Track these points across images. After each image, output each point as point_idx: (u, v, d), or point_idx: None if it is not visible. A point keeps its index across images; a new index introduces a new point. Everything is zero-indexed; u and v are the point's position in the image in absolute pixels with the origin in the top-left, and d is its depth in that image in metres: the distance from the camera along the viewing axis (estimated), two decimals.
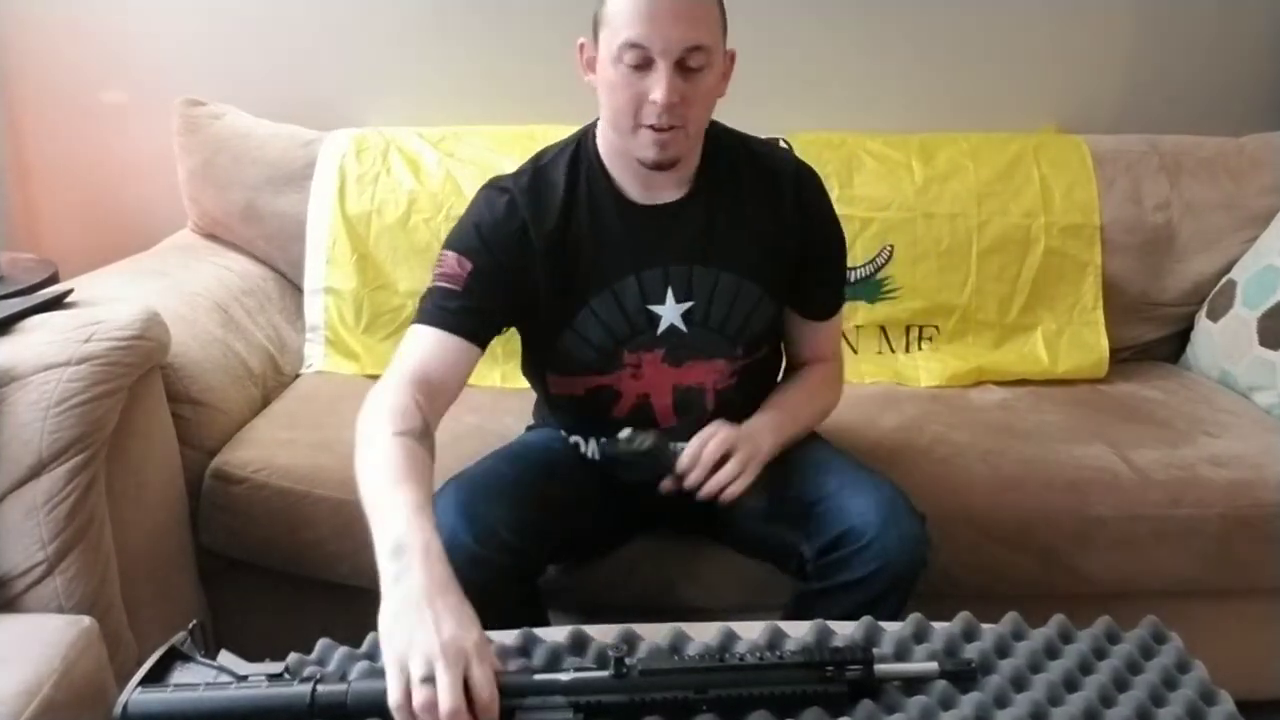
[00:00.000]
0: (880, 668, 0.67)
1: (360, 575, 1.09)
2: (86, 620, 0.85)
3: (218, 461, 1.11)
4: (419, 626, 0.63)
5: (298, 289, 1.45)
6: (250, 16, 1.54)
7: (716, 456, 0.87)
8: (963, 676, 0.69)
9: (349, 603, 1.11)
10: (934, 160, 1.45)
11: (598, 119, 0.92)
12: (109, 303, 1.03)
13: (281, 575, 1.11)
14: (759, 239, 0.94)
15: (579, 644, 0.73)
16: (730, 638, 0.74)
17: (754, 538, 0.98)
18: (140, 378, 0.97)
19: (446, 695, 0.60)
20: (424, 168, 1.44)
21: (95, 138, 1.59)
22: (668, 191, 0.92)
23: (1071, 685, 0.70)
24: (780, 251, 0.95)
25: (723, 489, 0.87)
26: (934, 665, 0.69)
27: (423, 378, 0.85)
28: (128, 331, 0.94)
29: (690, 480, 0.87)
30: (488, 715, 0.61)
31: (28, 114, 1.59)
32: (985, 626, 0.75)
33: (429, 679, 0.60)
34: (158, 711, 0.64)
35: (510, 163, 1.39)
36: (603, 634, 0.73)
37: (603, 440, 0.90)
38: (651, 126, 0.84)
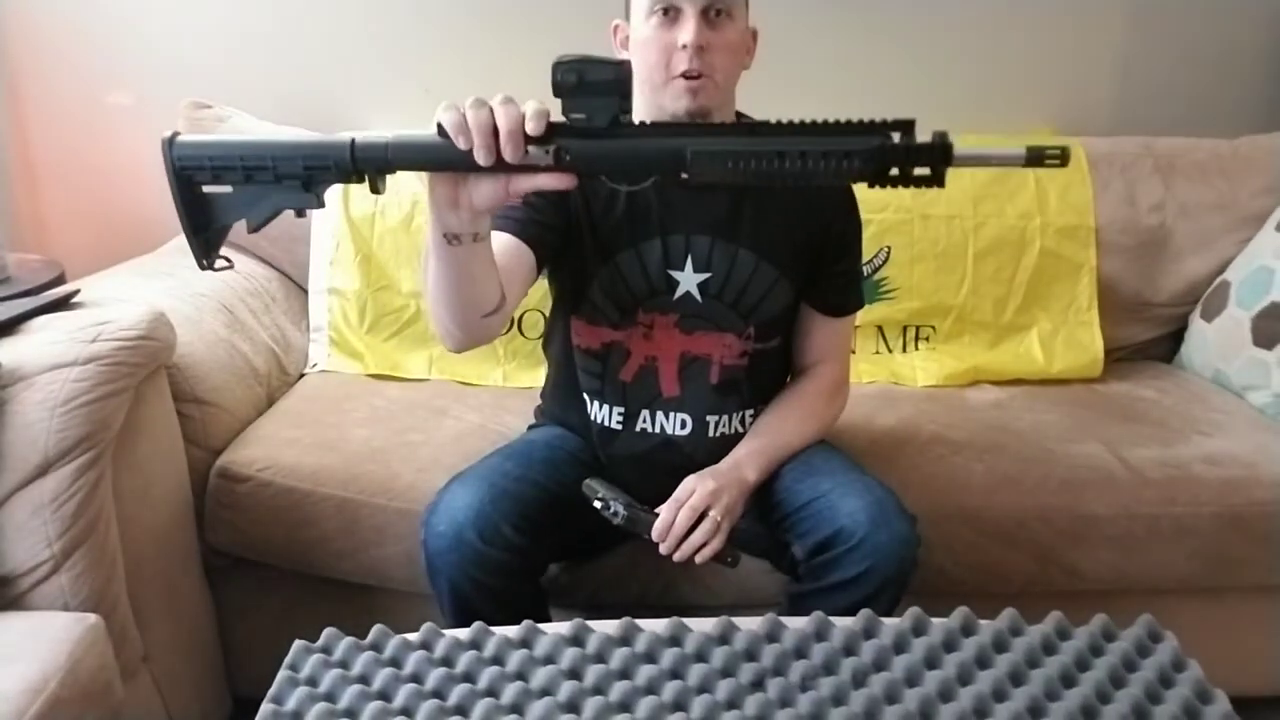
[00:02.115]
0: (960, 149, 0.60)
1: (364, 573, 1.11)
2: (92, 618, 0.86)
3: (223, 460, 1.12)
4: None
5: (302, 290, 1.46)
6: (255, 20, 1.55)
7: (688, 524, 0.90)
8: (1049, 158, 0.61)
9: (353, 600, 1.13)
10: None
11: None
12: (115, 303, 1.04)
13: (286, 573, 1.12)
14: (783, 224, 0.97)
15: (580, 638, 0.74)
16: (730, 629, 0.75)
17: (749, 537, 0.99)
18: (146, 377, 0.97)
19: (504, 111, 0.65)
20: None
21: (101, 140, 1.59)
22: None
23: (1068, 681, 0.70)
24: (803, 239, 0.98)
25: (694, 551, 0.90)
26: (1020, 149, 0.61)
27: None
28: (134, 332, 0.95)
29: (663, 550, 0.91)
30: (539, 116, 0.65)
31: (34, 116, 1.59)
32: (983, 623, 0.76)
33: (483, 104, 0.65)
34: (203, 149, 0.66)
35: None
36: (604, 628, 0.74)
37: (588, 482, 0.94)
38: (683, 75, 0.89)
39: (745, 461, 0.97)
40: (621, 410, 1.01)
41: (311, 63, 1.57)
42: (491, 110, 0.65)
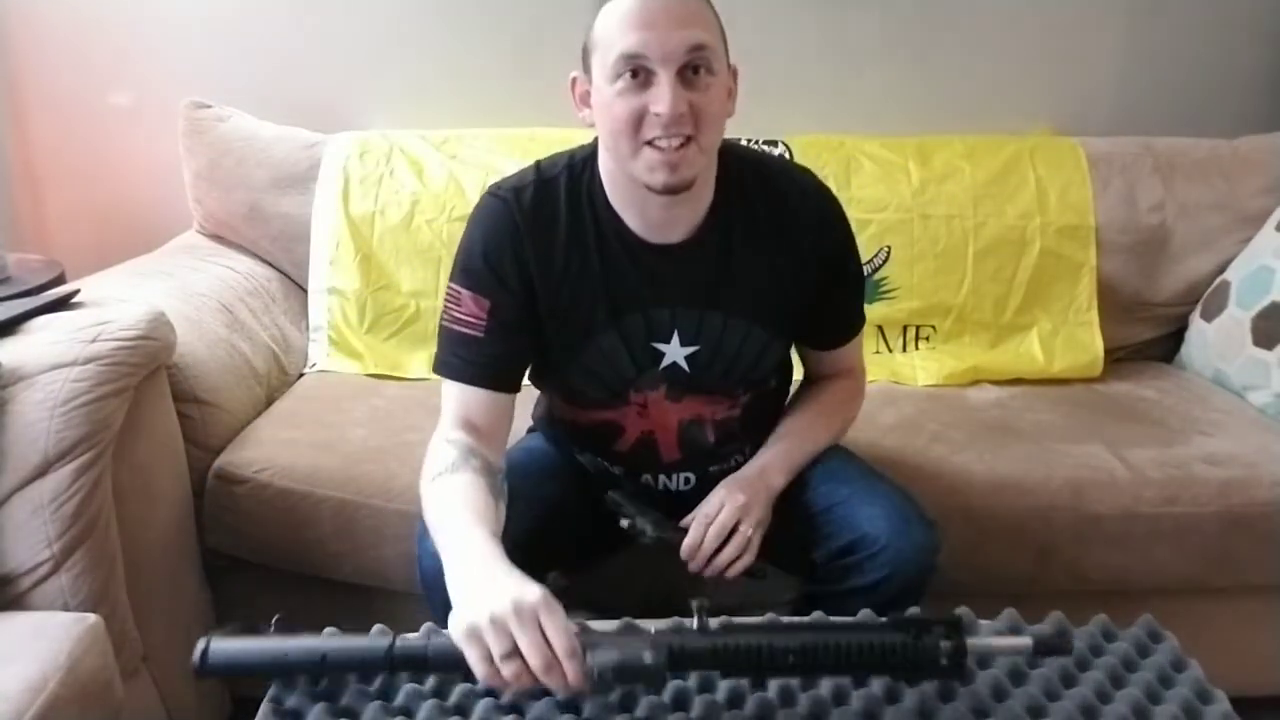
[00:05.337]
0: (973, 641, 0.65)
1: (362, 574, 1.11)
2: (92, 618, 0.86)
3: (220, 462, 1.12)
4: (481, 602, 0.63)
5: (302, 289, 1.46)
6: (255, 20, 1.55)
7: (718, 541, 0.86)
8: (1055, 649, 0.66)
9: (352, 601, 1.13)
10: (931, 162, 1.46)
11: (595, 147, 0.86)
12: (115, 303, 1.04)
13: (285, 574, 1.12)
14: (773, 281, 0.89)
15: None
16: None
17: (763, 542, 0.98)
18: (146, 377, 0.97)
19: (533, 652, 0.60)
20: (427, 170, 1.45)
21: (102, 140, 1.60)
22: (678, 229, 0.86)
23: (1068, 681, 0.71)
24: (794, 291, 0.90)
25: (725, 569, 0.86)
26: (1028, 640, 0.66)
27: (466, 424, 0.85)
28: (134, 332, 0.95)
29: (692, 568, 0.87)
30: (572, 661, 0.60)
31: (35, 116, 1.60)
32: (983, 623, 0.76)
33: (511, 653, 0.60)
34: (236, 655, 0.65)
35: (512, 165, 1.41)
36: (603, 628, 0.74)
37: (610, 495, 0.90)
38: (655, 145, 0.76)
39: (771, 467, 0.92)
40: (621, 469, 0.98)
41: (311, 62, 1.58)
42: (525, 662, 0.60)
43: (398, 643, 0.64)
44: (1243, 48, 1.58)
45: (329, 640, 0.65)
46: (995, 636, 0.69)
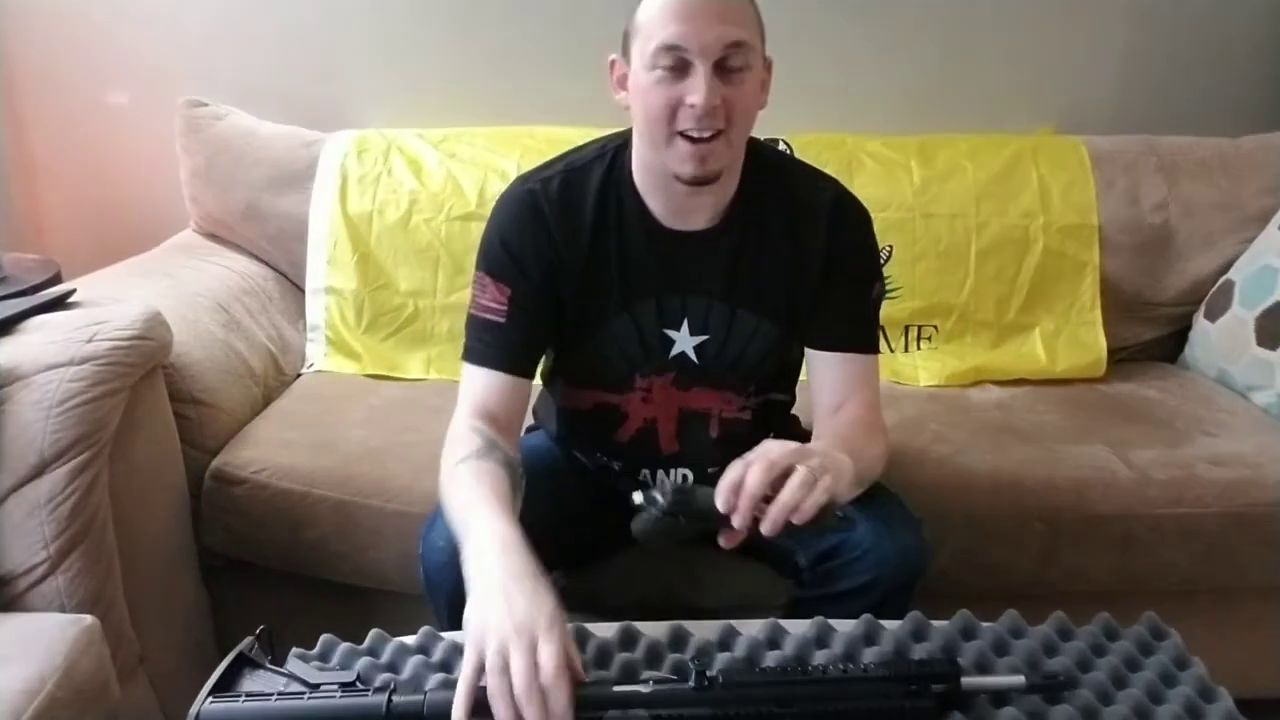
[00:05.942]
0: (966, 681, 0.65)
1: (361, 575, 1.10)
2: (89, 619, 0.86)
3: (218, 463, 1.12)
4: (492, 611, 0.63)
5: (299, 289, 1.46)
6: (253, 18, 1.55)
7: (764, 483, 0.67)
8: (1051, 688, 0.67)
9: (350, 602, 1.13)
10: (933, 161, 1.46)
11: (630, 135, 0.87)
12: (111, 303, 1.04)
13: (283, 575, 1.12)
14: (785, 280, 0.89)
15: (579, 641, 0.73)
16: (730, 633, 0.74)
17: (752, 544, 0.97)
18: (142, 378, 0.97)
19: (519, 676, 0.59)
20: (425, 168, 1.44)
21: (98, 138, 1.60)
22: (699, 218, 0.87)
23: (1070, 682, 0.70)
24: (805, 293, 0.89)
25: (789, 514, 0.66)
26: (1020, 678, 0.67)
27: (484, 412, 0.85)
28: (130, 331, 0.95)
29: (736, 522, 0.67)
30: (556, 690, 0.59)
31: (31, 114, 1.59)
32: (984, 625, 0.75)
33: (503, 668, 0.60)
34: None
35: (511, 164, 1.42)
36: (602, 631, 0.74)
37: (635, 508, 0.76)
38: (688, 136, 0.78)
39: (832, 448, 0.76)
40: (619, 464, 0.98)
41: (308, 60, 1.57)
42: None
43: (394, 700, 0.64)
44: (1246, 47, 1.58)
45: (325, 702, 0.64)
46: (988, 677, 0.69)
